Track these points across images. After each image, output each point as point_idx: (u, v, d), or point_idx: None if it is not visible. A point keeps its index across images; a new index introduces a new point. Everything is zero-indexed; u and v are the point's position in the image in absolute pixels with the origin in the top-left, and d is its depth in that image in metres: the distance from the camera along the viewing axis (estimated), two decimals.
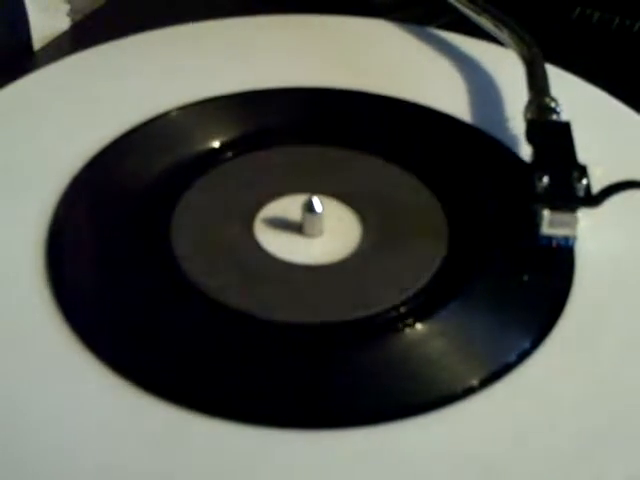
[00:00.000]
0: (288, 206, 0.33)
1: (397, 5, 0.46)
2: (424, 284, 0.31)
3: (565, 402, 0.27)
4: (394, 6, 0.46)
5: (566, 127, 0.34)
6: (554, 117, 0.34)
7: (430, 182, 0.35)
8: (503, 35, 0.39)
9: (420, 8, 0.46)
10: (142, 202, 0.33)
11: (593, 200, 0.31)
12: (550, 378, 0.28)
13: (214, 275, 0.31)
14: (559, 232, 0.31)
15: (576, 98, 0.37)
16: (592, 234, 0.31)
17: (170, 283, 0.31)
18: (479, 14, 0.41)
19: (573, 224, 0.31)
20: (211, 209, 0.34)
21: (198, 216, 0.33)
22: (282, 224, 0.33)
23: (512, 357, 0.28)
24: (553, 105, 0.35)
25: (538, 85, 0.36)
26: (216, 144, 0.36)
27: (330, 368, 0.28)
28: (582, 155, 0.32)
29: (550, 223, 0.31)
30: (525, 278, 0.31)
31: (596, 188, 0.31)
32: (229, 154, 0.36)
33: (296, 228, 0.33)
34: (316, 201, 0.32)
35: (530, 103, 0.35)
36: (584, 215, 0.31)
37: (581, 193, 0.31)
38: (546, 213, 0.31)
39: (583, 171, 0.31)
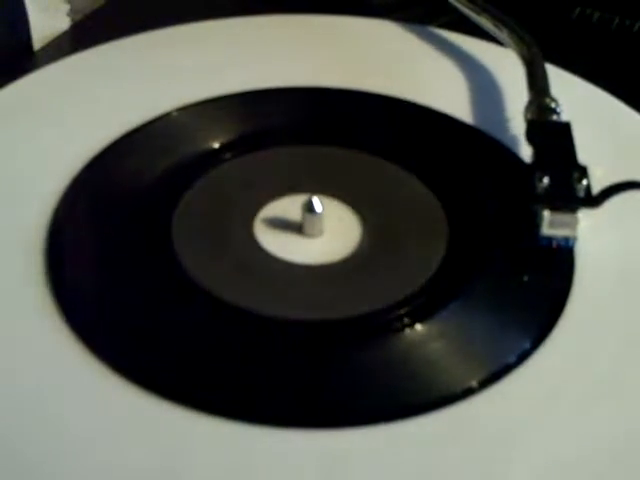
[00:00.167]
0: (288, 206, 0.33)
1: (397, 5, 0.46)
2: (424, 284, 0.31)
3: (565, 402, 0.27)
4: (394, 6, 0.46)
5: (566, 127, 0.34)
6: (554, 117, 0.34)
7: (430, 182, 0.35)
8: (503, 35, 0.39)
9: (420, 8, 0.46)
10: (142, 202, 0.33)
11: (593, 201, 0.31)
12: (550, 378, 0.28)
13: (214, 275, 0.31)
14: (559, 232, 0.31)
15: (576, 98, 0.37)
16: (592, 234, 0.31)
17: (170, 283, 0.31)
18: (479, 14, 0.41)
19: (573, 225, 0.31)
20: (211, 209, 0.34)
21: (198, 216, 0.33)
22: (282, 224, 0.33)
23: (512, 358, 0.28)
24: (553, 105, 0.35)
25: (538, 85, 0.36)
26: (216, 144, 0.36)
27: (330, 368, 0.28)
28: (582, 155, 0.32)
29: (550, 223, 0.31)
30: (525, 278, 0.31)
31: (596, 188, 0.31)
32: (229, 154, 0.36)
33: (296, 228, 0.33)
34: (316, 201, 0.32)
35: (530, 103, 0.35)
36: (584, 215, 0.31)
37: (581, 194, 0.31)
38: (546, 214, 0.31)
39: (583, 172, 0.31)
